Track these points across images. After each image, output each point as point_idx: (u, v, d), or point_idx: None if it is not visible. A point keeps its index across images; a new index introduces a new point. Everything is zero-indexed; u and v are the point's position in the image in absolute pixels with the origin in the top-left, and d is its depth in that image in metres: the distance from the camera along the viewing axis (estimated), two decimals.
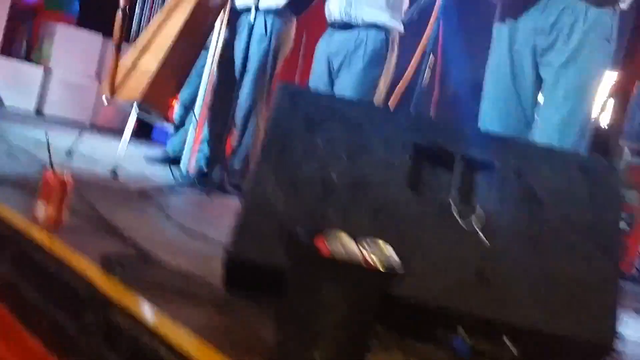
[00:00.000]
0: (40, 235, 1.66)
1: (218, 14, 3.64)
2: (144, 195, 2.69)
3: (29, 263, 1.61)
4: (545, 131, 2.21)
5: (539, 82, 2.29)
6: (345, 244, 1.21)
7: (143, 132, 5.15)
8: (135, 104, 3.18)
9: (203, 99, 3.88)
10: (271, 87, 3.56)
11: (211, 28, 3.65)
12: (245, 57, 3.46)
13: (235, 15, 3.62)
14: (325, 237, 1.21)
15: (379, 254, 1.22)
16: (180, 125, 4.23)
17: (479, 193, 1.61)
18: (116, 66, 3.26)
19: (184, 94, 4.10)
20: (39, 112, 5.54)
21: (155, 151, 4.34)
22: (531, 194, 1.61)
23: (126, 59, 3.35)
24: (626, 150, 3.29)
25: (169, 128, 4.43)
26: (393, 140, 1.64)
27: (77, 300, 1.41)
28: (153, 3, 5.45)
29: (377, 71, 3.14)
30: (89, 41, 6.30)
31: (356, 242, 1.23)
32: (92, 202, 2.09)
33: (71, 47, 6.19)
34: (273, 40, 3.49)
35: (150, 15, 5.32)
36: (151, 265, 1.65)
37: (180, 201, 3.00)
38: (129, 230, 1.89)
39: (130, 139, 3.20)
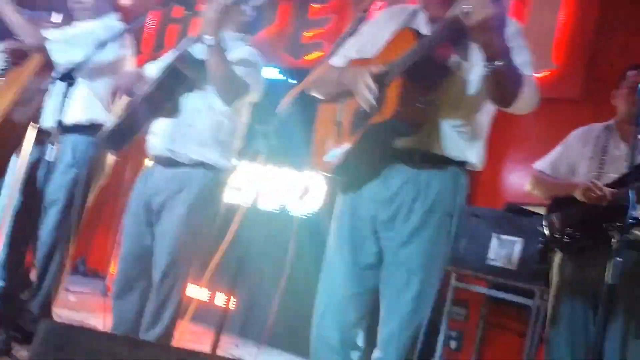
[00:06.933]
0: None
1: (25, 131, 3.16)
2: None
3: None
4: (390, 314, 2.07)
5: (378, 254, 2.14)
6: None
7: None
8: None
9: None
10: (81, 222, 3.08)
11: (16, 146, 3.14)
12: (50, 187, 3.00)
13: (45, 134, 3.15)
14: None
15: None
16: None
17: None
18: None
19: None
20: None
21: None
22: None
23: None
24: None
25: None
26: None
27: None
28: None
29: (201, 217, 2.69)
30: None
31: None
32: None
33: None
34: (82, 170, 3.04)
35: None
36: None
37: None
38: None
39: None
